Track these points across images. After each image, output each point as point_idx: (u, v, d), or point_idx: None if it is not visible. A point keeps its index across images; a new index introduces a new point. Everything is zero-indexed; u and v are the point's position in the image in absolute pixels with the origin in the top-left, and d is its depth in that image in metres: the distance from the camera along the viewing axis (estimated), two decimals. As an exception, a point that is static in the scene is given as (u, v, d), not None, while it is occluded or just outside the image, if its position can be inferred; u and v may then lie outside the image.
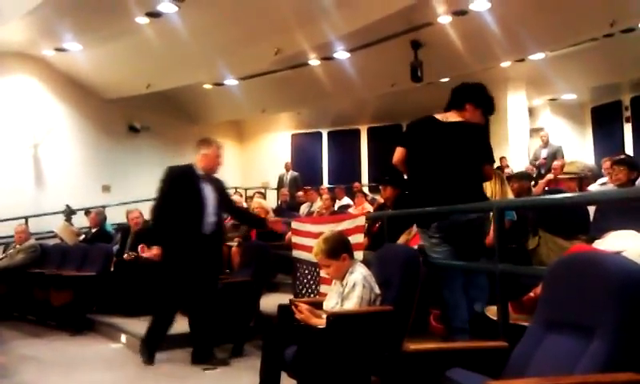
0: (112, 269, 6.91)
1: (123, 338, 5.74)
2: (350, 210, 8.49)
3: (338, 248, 3.35)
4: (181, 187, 4.70)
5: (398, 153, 3.72)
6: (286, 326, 3.33)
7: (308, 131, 16.49)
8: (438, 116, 3.66)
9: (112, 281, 6.68)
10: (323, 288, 4.32)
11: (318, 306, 3.42)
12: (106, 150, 13.83)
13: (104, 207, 10.44)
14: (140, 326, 5.20)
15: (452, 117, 3.63)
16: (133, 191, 12.59)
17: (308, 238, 4.83)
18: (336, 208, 9.33)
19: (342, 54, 11.31)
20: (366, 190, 12.88)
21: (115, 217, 10.49)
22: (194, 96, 14.52)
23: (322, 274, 4.30)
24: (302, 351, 3.00)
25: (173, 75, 11.97)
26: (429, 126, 3.63)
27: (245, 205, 8.97)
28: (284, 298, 4.22)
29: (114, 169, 13.81)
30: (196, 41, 10.09)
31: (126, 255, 6.87)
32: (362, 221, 4.44)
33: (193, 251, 4.58)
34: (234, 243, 6.83)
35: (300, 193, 12.30)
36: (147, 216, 9.19)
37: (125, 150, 14.18)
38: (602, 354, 1.82)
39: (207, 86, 13.69)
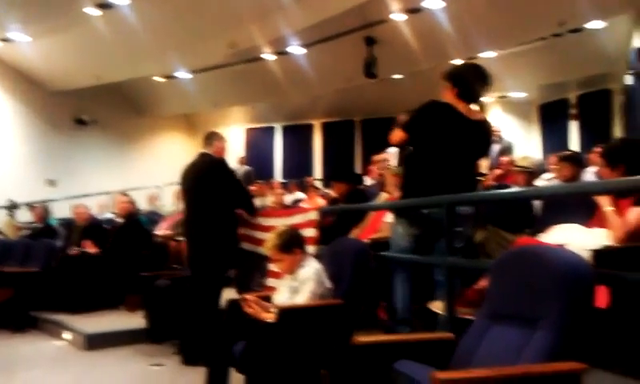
0: (56, 265, 6.72)
1: (67, 335, 5.58)
2: (303, 205, 8.48)
3: (291, 242, 3.34)
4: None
5: (399, 135, 3.62)
6: (235, 321, 3.29)
7: (262, 126, 16.40)
8: (462, 108, 3.49)
9: (56, 277, 6.50)
10: (271, 281, 4.29)
11: (269, 300, 3.39)
12: (52, 143, 13.43)
13: (49, 202, 10.14)
14: (84, 322, 5.08)
15: (475, 113, 3.54)
16: (80, 185, 12.29)
17: (257, 231, 4.78)
18: (288, 202, 9.29)
19: (296, 49, 11.28)
20: (318, 184, 12.90)
21: (61, 211, 10.21)
22: (144, 89, 14.24)
23: (271, 266, 4.26)
24: (250, 346, 2.96)
25: (123, 67, 11.70)
26: (453, 119, 3.48)
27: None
28: (237, 293, 4.18)
29: (60, 162, 13.42)
30: (147, 33, 9.88)
31: (71, 251, 6.69)
32: (313, 215, 4.42)
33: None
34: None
35: (253, 187, 12.21)
36: (94, 210, 9.04)
37: (71, 143, 13.80)
38: (544, 345, 1.85)
39: (158, 79, 13.44)
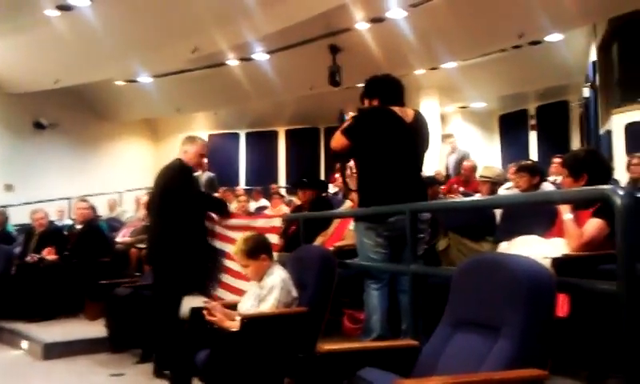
0: (14, 272, 6.55)
1: (24, 344, 5.43)
2: (267, 212, 8.45)
3: (258, 248, 3.32)
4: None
5: (342, 142, 3.61)
6: (198, 329, 3.25)
7: (225, 132, 16.28)
8: (398, 111, 3.55)
9: (13, 284, 6.32)
10: (227, 278, 4.23)
11: (234, 307, 3.37)
12: (10, 146, 13.08)
13: (6, 207, 9.87)
14: (43, 331, 4.96)
15: (409, 114, 3.60)
16: (38, 191, 12.00)
17: (226, 229, 4.71)
18: (252, 210, 9.25)
19: (261, 56, 11.25)
20: (283, 192, 12.88)
21: (19, 217, 9.95)
22: (105, 93, 13.99)
23: (227, 263, 4.21)
24: (213, 355, 2.94)
25: (83, 70, 11.48)
26: (391, 122, 3.53)
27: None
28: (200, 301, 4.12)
29: (18, 167, 13.08)
30: (109, 36, 9.72)
31: (29, 257, 6.53)
32: (277, 222, 4.41)
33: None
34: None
35: (216, 194, 12.11)
36: (53, 216, 8.83)
37: (30, 147, 13.47)
38: (506, 352, 1.88)
39: (119, 83, 13.24)
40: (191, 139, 4.51)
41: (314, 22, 9.34)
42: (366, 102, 3.68)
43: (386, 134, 3.49)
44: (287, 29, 9.39)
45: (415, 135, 3.57)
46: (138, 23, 9.65)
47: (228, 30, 9.66)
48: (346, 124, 3.63)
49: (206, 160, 4.75)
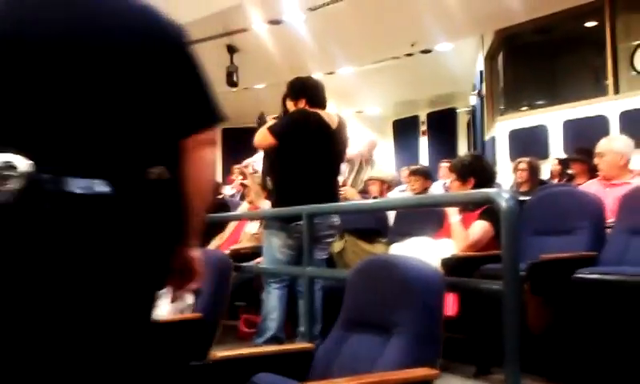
0: None
1: None
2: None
3: None
4: None
5: (267, 141, 3.57)
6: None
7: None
8: (325, 116, 3.58)
9: None
10: None
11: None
12: None
13: None
14: None
15: (334, 120, 3.63)
16: None
17: None
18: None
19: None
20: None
21: None
22: None
23: None
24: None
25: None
26: (318, 127, 3.54)
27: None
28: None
29: None
30: None
31: None
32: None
33: None
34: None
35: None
36: None
37: None
38: (398, 352, 1.91)
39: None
40: None
41: (210, 21, 9.16)
42: (290, 104, 3.65)
43: (312, 138, 3.52)
44: (183, 26, 9.17)
45: (338, 141, 3.62)
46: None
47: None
48: (272, 123, 3.60)
49: None
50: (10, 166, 1.07)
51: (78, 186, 1.11)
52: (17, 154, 1.08)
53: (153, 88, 1.28)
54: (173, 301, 2.52)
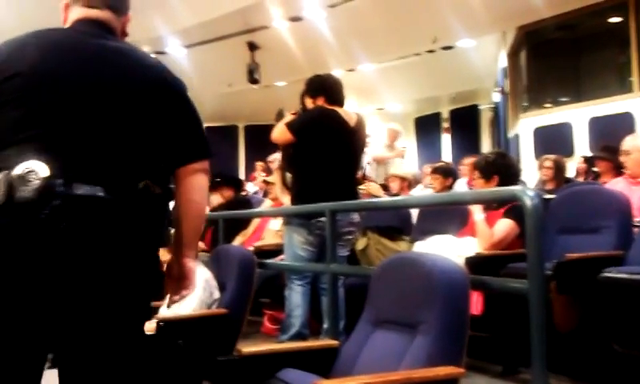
0: None
1: None
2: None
3: None
4: None
5: (285, 136, 3.60)
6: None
7: (140, 128, 15.80)
8: (343, 113, 3.59)
9: None
10: None
11: (155, 310, 3.25)
12: None
13: None
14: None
15: (353, 117, 3.64)
16: None
17: None
18: (171, 208, 9.03)
19: (177, 50, 10.98)
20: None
21: None
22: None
23: None
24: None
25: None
26: (336, 125, 3.56)
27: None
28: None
29: None
30: (16, 24, 9.21)
31: None
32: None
33: None
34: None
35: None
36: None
37: None
38: (423, 350, 1.91)
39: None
40: None
41: (232, 18, 9.22)
42: (309, 101, 3.67)
43: (330, 136, 3.53)
44: (204, 23, 9.23)
45: (356, 139, 3.63)
46: (45, 13, 9.19)
47: (140, 22, 9.37)
48: (290, 119, 3.62)
49: None
50: (32, 171, 1.41)
51: (82, 189, 1.44)
52: (41, 162, 1.42)
53: (158, 125, 1.62)
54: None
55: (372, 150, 7.52)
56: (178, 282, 1.74)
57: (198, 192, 1.70)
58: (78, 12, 1.70)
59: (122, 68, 1.62)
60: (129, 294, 1.52)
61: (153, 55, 9.33)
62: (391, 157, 7.76)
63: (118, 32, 1.80)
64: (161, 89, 1.66)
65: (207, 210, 1.77)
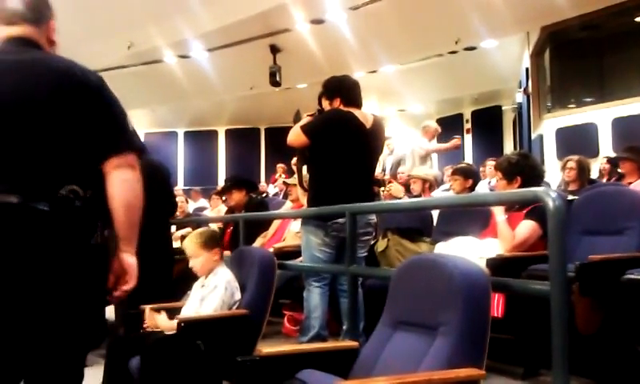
0: None
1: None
2: (206, 213, 8.33)
3: (213, 241, 3.27)
4: None
5: (300, 139, 3.60)
6: (133, 334, 3.16)
7: (163, 130, 15.95)
8: (359, 115, 3.58)
9: None
10: None
11: (177, 311, 3.28)
12: None
13: None
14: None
15: (369, 119, 3.63)
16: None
17: None
18: (191, 211, 9.10)
19: (200, 53, 11.08)
20: (222, 192, 12.74)
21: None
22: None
23: None
24: (145, 360, 2.85)
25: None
26: (352, 127, 3.55)
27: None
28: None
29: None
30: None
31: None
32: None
33: None
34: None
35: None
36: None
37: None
38: (444, 352, 1.90)
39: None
40: None
41: (254, 21, 9.27)
42: (326, 103, 3.67)
43: (345, 138, 3.52)
44: (227, 26, 9.30)
45: (373, 141, 3.62)
46: (71, 18, 9.32)
47: (165, 27, 9.47)
48: (306, 121, 3.62)
49: None
50: None
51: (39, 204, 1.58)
52: None
53: (74, 126, 1.67)
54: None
55: (422, 145, 7.54)
56: (118, 277, 1.77)
57: (122, 186, 1.70)
58: (1, 31, 1.80)
59: (33, 77, 1.69)
60: (44, 301, 1.60)
61: (175, 59, 9.44)
62: (448, 148, 7.80)
63: (43, 42, 1.85)
64: (73, 90, 1.70)
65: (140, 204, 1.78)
